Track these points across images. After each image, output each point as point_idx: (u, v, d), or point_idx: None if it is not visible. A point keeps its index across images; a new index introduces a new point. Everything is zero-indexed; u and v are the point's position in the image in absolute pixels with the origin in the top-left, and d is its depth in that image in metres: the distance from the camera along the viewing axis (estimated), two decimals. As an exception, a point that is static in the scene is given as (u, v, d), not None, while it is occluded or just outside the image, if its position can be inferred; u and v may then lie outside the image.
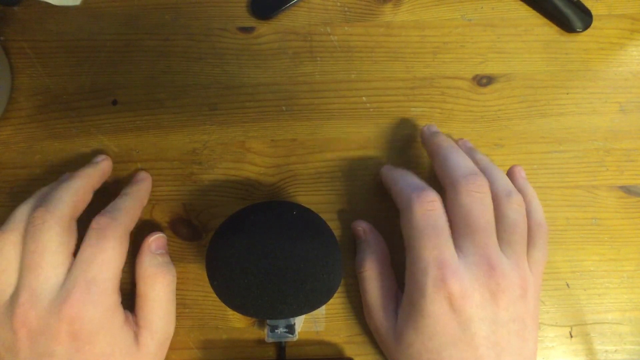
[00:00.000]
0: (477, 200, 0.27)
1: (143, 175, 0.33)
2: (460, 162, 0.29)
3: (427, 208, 0.27)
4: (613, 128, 0.35)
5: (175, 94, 0.35)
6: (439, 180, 0.30)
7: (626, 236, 0.33)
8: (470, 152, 0.32)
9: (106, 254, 0.26)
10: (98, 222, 0.27)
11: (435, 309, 0.25)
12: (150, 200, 0.33)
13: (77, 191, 0.29)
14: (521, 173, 0.31)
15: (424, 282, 0.26)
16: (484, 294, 0.26)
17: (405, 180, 0.29)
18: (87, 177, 0.30)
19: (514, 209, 0.28)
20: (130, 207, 0.30)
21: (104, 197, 0.31)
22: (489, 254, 0.26)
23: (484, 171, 0.29)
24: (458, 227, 0.27)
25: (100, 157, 0.33)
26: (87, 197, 0.29)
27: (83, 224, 0.28)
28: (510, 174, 0.31)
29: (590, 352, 0.32)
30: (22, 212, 0.28)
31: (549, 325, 0.32)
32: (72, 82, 0.35)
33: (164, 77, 0.35)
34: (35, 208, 0.27)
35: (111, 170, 0.33)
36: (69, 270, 0.26)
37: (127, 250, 0.28)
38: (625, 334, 0.32)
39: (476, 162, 0.30)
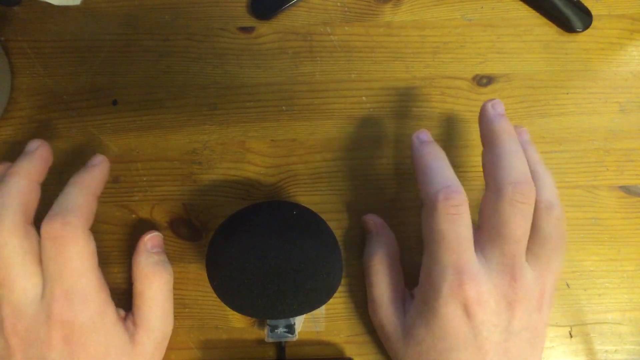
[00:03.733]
0: (518, 211, 0.25)
1: (99, 159, 0.29)
2: (513, 164, 0.26)
3: (452, 212, 0.25)
4: (613, 128, 0.35)
5: (175, 94, 0.35)
6: (484, 175, 0.28)
7: (626, 236, 0.33)
8: (524, 147, 0.28)
9: (72, 264, 0.25)
10: (49, 231, 0.24)
11: (449, 312, 0.25)
12: (150, 200, 0.33)
13: (20, 192, 0.26)
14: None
15: (440, 285, 0.25)
16: (500, 301, 0.25)
17: (434, 171, 0.27)
18: (27, 174, 0.26)
19: (552, 223, 0.26)
20: (81, 202, 0.26)
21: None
22: (514, 265, 0.25)
23: (531, 173, 0.27)
24: (489, 231, 0.26)
25: (35, 144, 0.28)
26: (36, 195, 0.27)
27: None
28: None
29: (590, 352, 0.32)
30: None
31: (549, 325, 0.32)
32: (72, 82, 0.35)
33: (164, 77, 0.35)
34: None
35: (51, 156, 0.29)
36: (43, 281, 0.25)
37: (94, 246, 0.26)
38: (625, 334, 0.32)
39: (527, 160, 0.27)
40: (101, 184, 0.28)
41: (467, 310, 0.25)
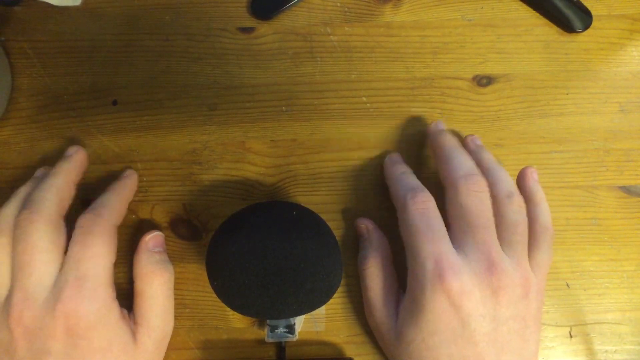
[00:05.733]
0: (476, 198, 0.28)
1: (129, 172, 0.33)
2: (461, 162, 0.29)
3: (421, 207, 0.28)
4: (613, 128, 0.35)
5: (175, 94, 0.35)
6: (440, 180, 0.30)
7: (626, 236, 0.33)
8: (478, 150, 0.32)
9: (94, 250, 0.26)
10: (83, 220, 0.27)
11: (436, 306, 0.26)
12: (150, 200, 0.33)
13: (59, 189, 0.28)
14: (533, 175, 0.31)
15: (422, 277, 0.26)
16: (484, 290, 0.26)
17: (401, 181, 0.30)
18: (66, 173, 0.30)
19: (514, 209, 0.28)
20: (114, 202, 0.30)
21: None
22: (489, 251, 0.26)
23: (487, 171, 0.30)
24: (459, 225, 0.27)
25: (72, 150, 0.32)
26: (71, 193, 0.30)
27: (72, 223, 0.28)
28: (522, 174, 0.31)
29: (590, 352, 0.32)
30: (6, 214, 0.28)
31: (549, 325, 0.32)
32: (72, 82, 0.35)
33: (163, 77, 0.35)
34: (20, 209, 0.27)
35: (87, 162, 0.32)
36: (61, 268, 0.26)
37: (115, 245, 0.28)
38: (625, 334, 0.32)
39: (481, 161, 0.31)
40: (132, 192, 0.33)
41: (452, 302, 0.25)
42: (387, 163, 0.33)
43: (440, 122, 0.33)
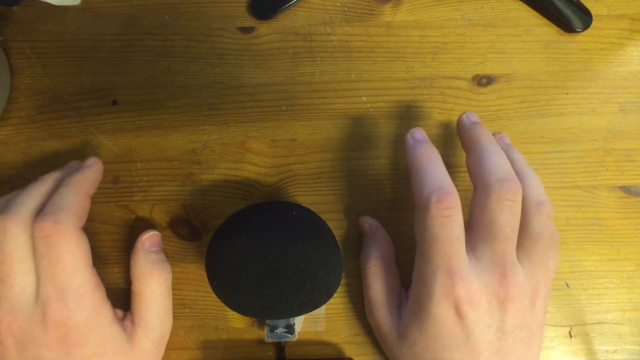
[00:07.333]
0: (506, 208, 0.25)
1: (92, 160, 0.30)
2: (497, 163, 0.27)
3: (445, 215, 0.25)
4: (613, 128, 0.35)
5: (175, 94, 0.35)
6: (470, 176, 0.28)
7: (626, 236, 0.33)
8: (507, 150, 0.29)
9: (64, 263, 0.25)
10: (40, 229, 0.24)
11: (442, 312, 0.25)
12: (150, 200, 0.33)
13: (39, 193, 0.27)
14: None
15: (432, 286, 0.25)
16: (491, 301, 0.25)
17: (428, 173, 0.26)
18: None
19: (542, 220, 0.26)
20: (73, 201, 0.26)
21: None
22: (504, 263, 0.26)
23: (518, 173, 0.27)
24: (479, 230, 0.26)
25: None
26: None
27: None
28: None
29: (590, 352, 0.32)
30: None
31: (549, 325, 0.32)
32: (72, 82, 0.35)
33: (164, 77, 0.35)
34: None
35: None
36: (37, 280, 0.25)
37: (86, 246, 0.26)
38: (625, 334, 0.32)
39: (512, 162, 0.28)
40: (94, 184, 0.29)
41: (459, 311, 0.25)
42: (409, 142, 0.29)
43: (473, 114, 0.30)
